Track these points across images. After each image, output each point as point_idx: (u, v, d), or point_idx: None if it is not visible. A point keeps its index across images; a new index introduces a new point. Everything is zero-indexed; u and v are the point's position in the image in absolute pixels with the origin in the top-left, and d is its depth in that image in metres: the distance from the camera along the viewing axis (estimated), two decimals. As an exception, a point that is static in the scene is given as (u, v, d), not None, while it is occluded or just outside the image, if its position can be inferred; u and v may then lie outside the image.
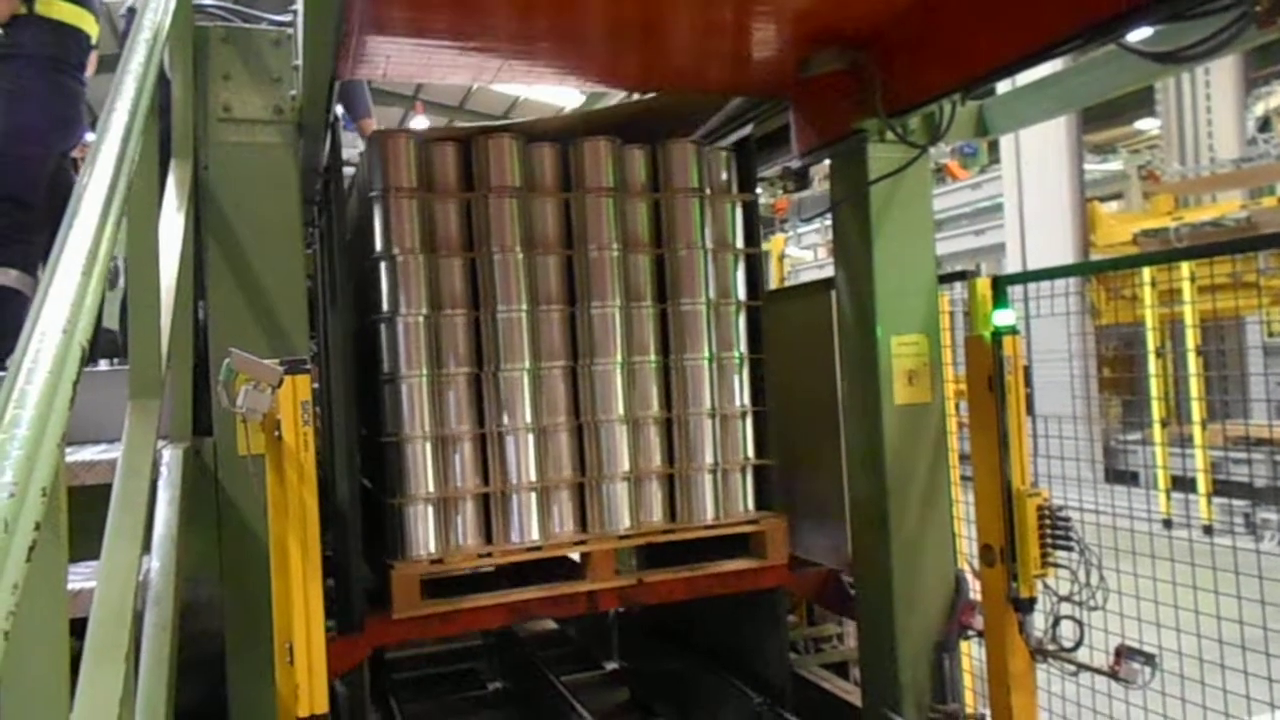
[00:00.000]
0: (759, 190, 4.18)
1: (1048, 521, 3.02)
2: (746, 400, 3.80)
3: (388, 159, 3.38)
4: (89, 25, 3.77)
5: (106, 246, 1.19)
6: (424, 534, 3.33)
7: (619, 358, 3.58)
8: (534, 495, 3.46)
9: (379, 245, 3.39)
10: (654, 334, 3.66)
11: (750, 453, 3.81)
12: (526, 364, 3.46)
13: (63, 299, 1.06)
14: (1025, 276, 3.39)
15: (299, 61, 2.62)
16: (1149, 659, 2.79)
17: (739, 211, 3.89)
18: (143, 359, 2.08)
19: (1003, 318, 3.11)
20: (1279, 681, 2.72)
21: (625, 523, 3.56)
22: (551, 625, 5.90)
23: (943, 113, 3.32)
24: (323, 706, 2.18)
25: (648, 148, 3.73)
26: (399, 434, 3.33)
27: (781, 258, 14.90)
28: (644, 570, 3.60)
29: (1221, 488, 8.58)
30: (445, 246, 3.43)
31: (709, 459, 3.69)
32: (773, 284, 12.70)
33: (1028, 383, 3.22)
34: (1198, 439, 8.03)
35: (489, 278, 3.46)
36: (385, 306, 3.37)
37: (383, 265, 3.38)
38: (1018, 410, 3.08)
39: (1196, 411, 7.53)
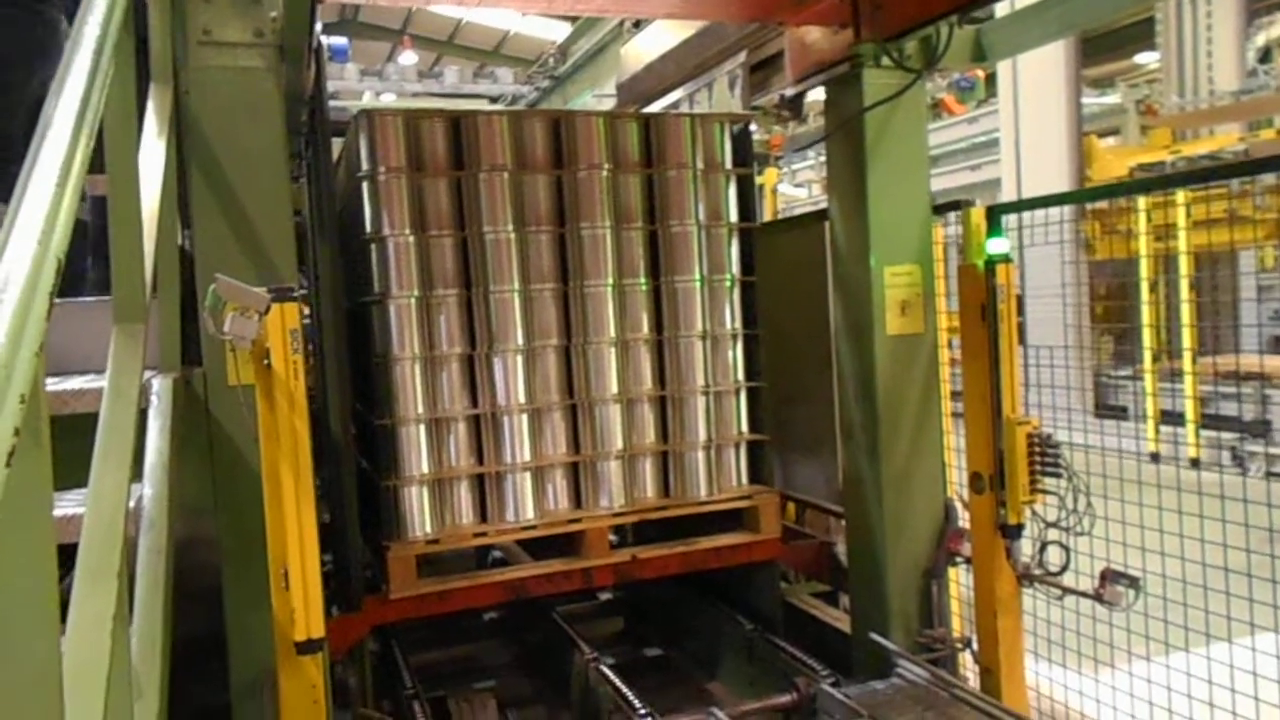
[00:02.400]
0: (753, 126, 4.11)
1: (1037, 449, 3.05)
2: (741, 376, 3.79)
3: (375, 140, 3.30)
4: None
5: (81, 157, 1.17)
6: (420, 514, 3.35)
7: (612, 334, 3.55)
8: (529, 474, 3.47)
9: (369, 228, 3.35)
10: (647, 308, 3.63)
11: (744, 427, 3.80)
12: (520, 343, 3.45)
13: (36, 209, 1.03)
14: (1020, 205, 3.37)
15: (279, -19, 2.55)
16: (1133, 582, 2.84)
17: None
18: (126, 283, 2.05)
19: (996, 246, 3.10)
20: (1260, 604, 2.77)
21: (620, 500, 3.57)
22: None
23: (939, 36, 3.26)
24: (319, 631, 2.20)
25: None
26: (393, 417, 3.33)
27: (775, 191, 14.73)
28: (638, 545, 3.65)
29: (1210, 422, 8.64)
30: (436, 226, 3.39)
31: (702, 434, 3.68)
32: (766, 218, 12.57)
33: (1020, 313, 3.22)
34: (1187, 365, 8.06)
35: (480, 258, 3.42)
36: (376, 290, 3.34)
37: (374, 248, 3.34)
38: (1010, 339, 3.09)
39: (1187, 338, 7.53)
